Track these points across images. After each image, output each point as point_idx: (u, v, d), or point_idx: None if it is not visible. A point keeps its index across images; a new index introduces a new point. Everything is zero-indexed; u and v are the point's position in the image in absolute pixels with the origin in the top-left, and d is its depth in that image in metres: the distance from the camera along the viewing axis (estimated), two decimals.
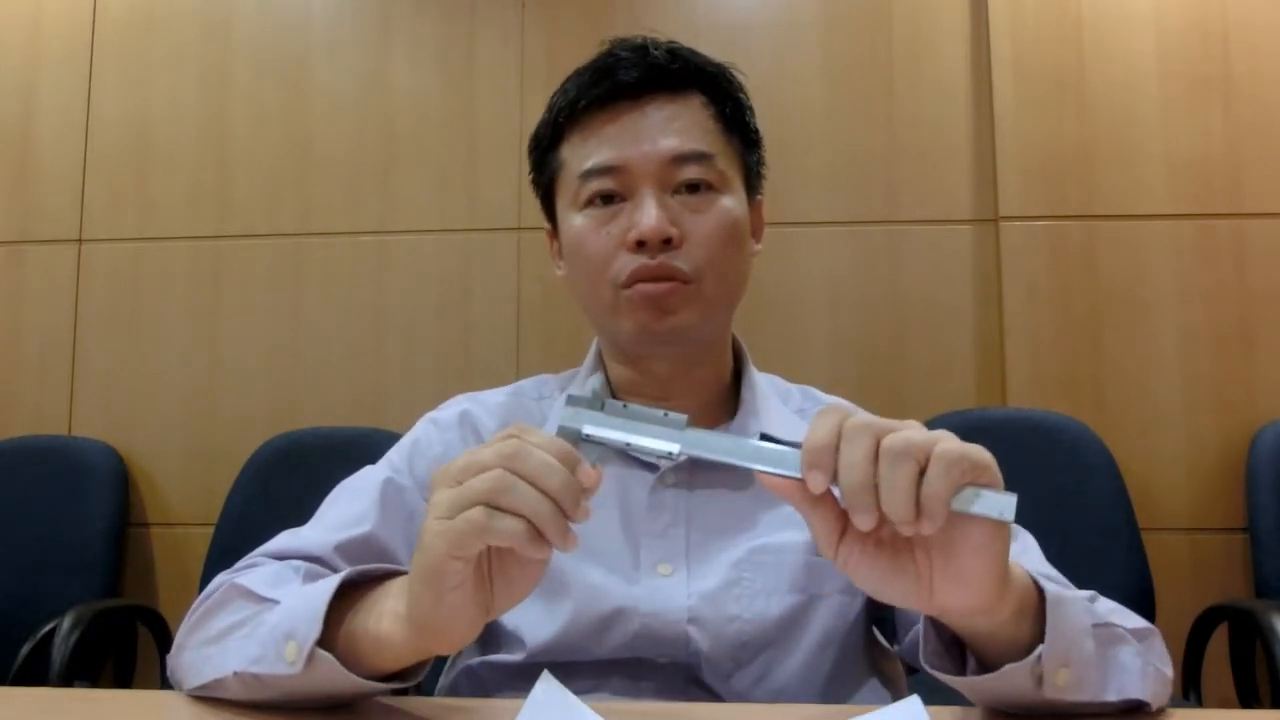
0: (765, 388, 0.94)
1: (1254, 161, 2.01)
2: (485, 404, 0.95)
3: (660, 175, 0.83)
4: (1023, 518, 0.60)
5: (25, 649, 1.70)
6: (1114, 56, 2.06)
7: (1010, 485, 0.54)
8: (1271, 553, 1.81)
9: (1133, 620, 0.71)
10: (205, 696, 0.70)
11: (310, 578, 0.74)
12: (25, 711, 0.70)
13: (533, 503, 0.55)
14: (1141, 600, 1.73)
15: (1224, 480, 1.94)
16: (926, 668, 0.66)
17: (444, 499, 0.56)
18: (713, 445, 0.58)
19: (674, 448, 0.58)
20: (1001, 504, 0.54)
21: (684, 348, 0.87)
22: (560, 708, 0.62)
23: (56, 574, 1.96)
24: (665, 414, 0.59)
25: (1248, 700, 1.76)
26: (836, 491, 0.55)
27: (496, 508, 0.55)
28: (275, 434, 2.03)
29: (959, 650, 0.67)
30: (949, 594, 0.57)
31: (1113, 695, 0.65)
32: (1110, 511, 1.78)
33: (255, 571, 0.76)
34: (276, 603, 0.69)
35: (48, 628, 1.70)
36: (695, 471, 0.86)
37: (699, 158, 0.84)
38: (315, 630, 0.62)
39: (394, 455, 0.91)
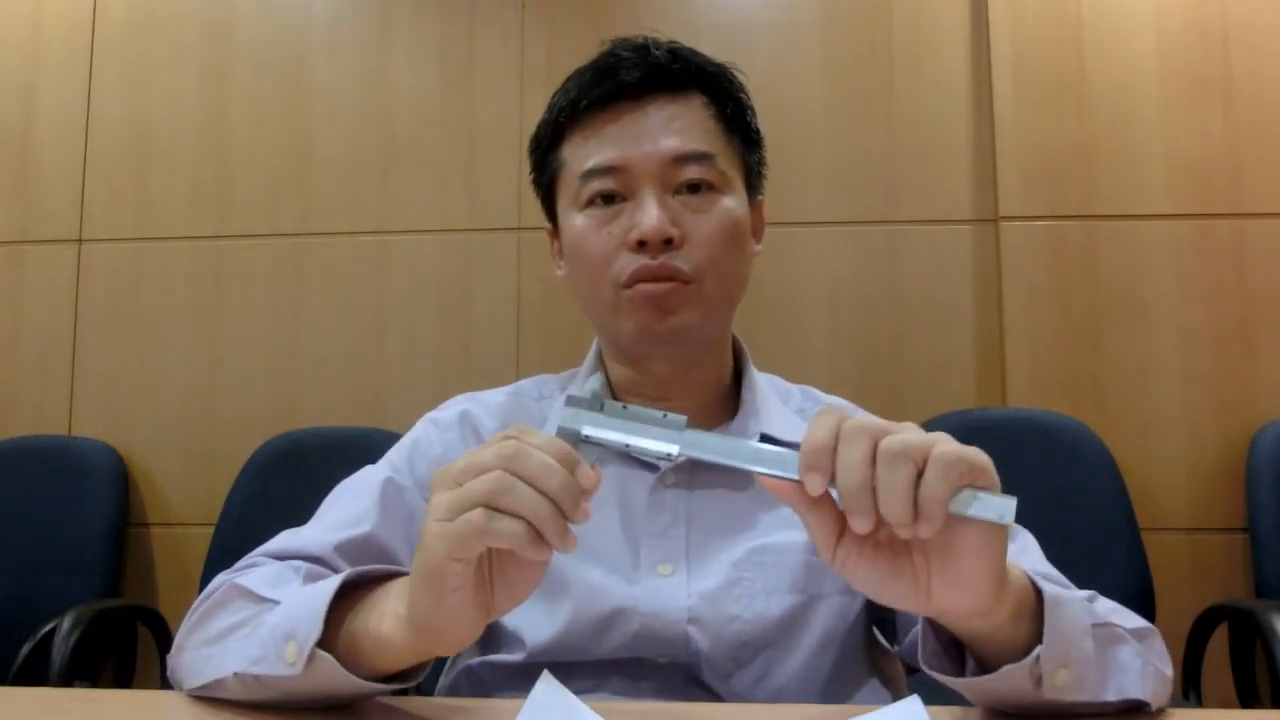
0: (765, 388, 0.94)
1: (1254, 161, 2.01)
2: (485, 404, 0.95)
3: (661, 175, 0.83)
4: (1023, 518, 0.60)
5: (25, 649, 1.70)
6: (1114, 56, 2.05)
7: (1010, 485, 0.54)
8: (1271, 553, 1.81)
9: (1132, 620, 0.71)
10: (205, 697, 0.70)
11: (310, 578, 0.74)
12: (25, 711, 0.70)
13: (532, 504, 0.55)
14: (1141, 600, 1.73)
15: (1224, 480, 1.94)
16: (925, 669, 0.66)
17: (444, 501, 0.57)
18: (711, 446, 0.58)
19: (673, 449, 0.58)
20: (999, 506, 0.54)
21: (684, 348, 0.87)
22: (560, 708, 0.62)
23: (56, 574, 1.96)
24: (664, 415, 0.59)
25: (1248, 700, 1.76)
26: (835, 493, 0.55)
27: (496, 509, 0.55)
28: (275, 434, 2.03)
29: (958, 651, 0.67)
30: (947, 596, 0.57)
31: (1112, 695, 0.65)
32: (1110, 511, 1.78)
33: (255, 572, 0.76)
34: (277, 603, 0.69)
35: (48, 628, 1.70)
36: (695, 472, 0.86)
37: (700, 158, 0.84)
38: (316, 631, 0.62)
39: (394, 455, 0.91)
